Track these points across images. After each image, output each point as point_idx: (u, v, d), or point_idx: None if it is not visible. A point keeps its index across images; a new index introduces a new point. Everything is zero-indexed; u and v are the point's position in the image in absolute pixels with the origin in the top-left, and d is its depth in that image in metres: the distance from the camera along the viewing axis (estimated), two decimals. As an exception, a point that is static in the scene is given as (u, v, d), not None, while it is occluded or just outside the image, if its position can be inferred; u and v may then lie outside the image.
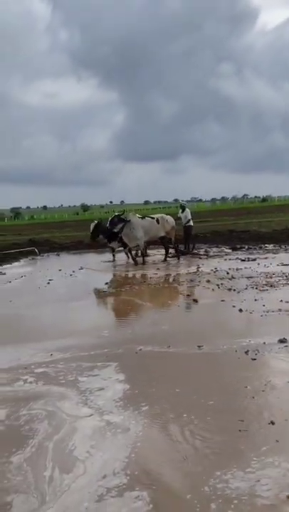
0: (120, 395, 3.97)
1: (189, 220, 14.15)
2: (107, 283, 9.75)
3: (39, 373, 4.58)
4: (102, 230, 13.18)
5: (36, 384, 4.33)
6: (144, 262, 12.41)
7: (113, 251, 13.51)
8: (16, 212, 77.15)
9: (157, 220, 12.65)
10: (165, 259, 12.78)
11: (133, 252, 12.99)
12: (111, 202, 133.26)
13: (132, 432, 3.32)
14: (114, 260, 13.35)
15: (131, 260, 12.79)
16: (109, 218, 12.67)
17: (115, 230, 12.10)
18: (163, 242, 13.03)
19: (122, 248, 13.36)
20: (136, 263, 12.20)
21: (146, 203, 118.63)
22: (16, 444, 3.24)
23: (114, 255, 13.52)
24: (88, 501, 2.57)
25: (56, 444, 3.20)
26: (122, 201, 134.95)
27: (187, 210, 14.37)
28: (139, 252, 12.89)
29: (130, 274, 10.89)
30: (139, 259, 12.56)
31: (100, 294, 8.90)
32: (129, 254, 13.02)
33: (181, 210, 14.35)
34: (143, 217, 12.75)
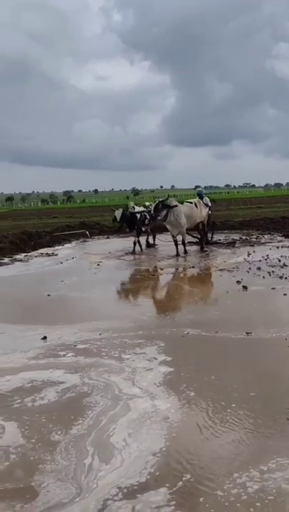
0: (162, 379, 3.96)
1: (209, 207, 12.95)
2: (155, 267, 9.79)
3: (80, 349, 4.75)
4: (125, 219, 12.18)
5: (76, 358, 4.52)
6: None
7: (154, 237, 13.31)
8: (69, 196, 79.11)
9: (195, 205, 11.91)
10: (202, 248, 12.04)
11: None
12: (161, 187, 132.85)
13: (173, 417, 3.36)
14: (155, 244, 13.25)
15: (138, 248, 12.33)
16: (153, 205, 11.50)
17: (159, 218, 11.18)
18: (198, 228, 12.31)
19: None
20: (184, 252, 11.40)
21: (197, 188, 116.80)
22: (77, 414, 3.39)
23: (154, 239, 13.31)
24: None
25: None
26: (173, 186, 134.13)
27: (206, 198, 13.31)
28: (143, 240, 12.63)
29: (177, 260, 10.81)
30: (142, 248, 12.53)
31: (149, 277, 8.95)
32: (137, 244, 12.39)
33: (198, 198, 12.90)
34: (181, 203, 11.91)
